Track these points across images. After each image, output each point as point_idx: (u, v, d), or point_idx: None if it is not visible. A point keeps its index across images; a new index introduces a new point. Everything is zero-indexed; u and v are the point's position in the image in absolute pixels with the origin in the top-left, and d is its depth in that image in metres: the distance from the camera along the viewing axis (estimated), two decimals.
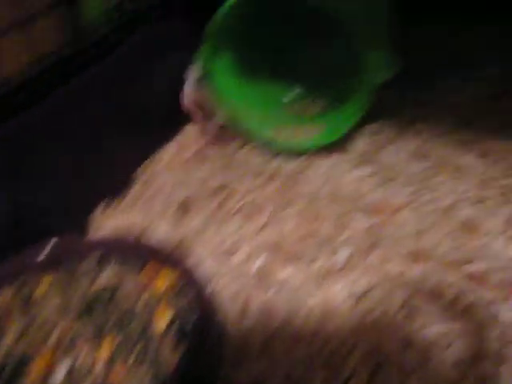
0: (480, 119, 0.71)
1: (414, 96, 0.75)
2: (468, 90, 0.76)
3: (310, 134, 0.68)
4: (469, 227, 0.56)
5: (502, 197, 0.60)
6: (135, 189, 0.65)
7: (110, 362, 0.39)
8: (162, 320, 0.41)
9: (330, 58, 0.74)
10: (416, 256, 0.54)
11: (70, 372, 0.39)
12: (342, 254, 0.54)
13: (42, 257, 0.47)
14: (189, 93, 0.68)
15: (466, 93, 0.76)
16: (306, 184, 0.64)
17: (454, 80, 0.77)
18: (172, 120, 0.72)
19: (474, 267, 0.52)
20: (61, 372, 0.39)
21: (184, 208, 0.62)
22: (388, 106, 0.73)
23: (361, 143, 0.69)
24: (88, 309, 0.43)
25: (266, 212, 0.60)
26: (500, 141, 0.67)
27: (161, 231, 0.58)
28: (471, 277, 0.52)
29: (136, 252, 0.47)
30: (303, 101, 0.74)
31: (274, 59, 0.75)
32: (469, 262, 0.53)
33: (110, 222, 0.60)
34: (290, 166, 0.67)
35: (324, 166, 0.66)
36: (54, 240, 0.48)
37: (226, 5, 0.59)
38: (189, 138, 0.73)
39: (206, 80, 0.66)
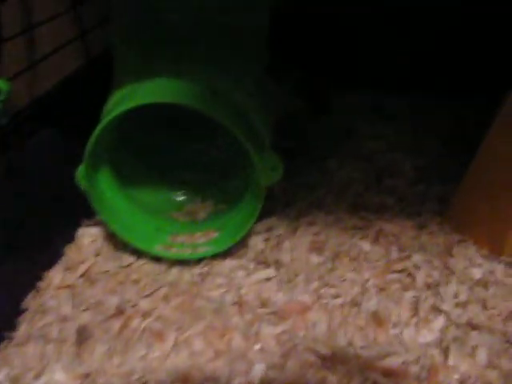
0: (369, 200, 0.74)
1: (305, 182, 0.77)
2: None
3: (204, 241, 0.66)
4: (377, 319, 0.56)
5: (401, 282, 0.61)
6: (24, 325, 0.59)
7: None
8: None
9: (217, 159, 0.74)
10: (332, 360, 0.52)
11: None
12: (258, 369, 0.52)
13: None
14: None
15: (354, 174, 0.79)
16: (209, 293, 0.61)
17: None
18: (55, 239, 0.67)
19: (390, 362, 0.52)
20: None
21: (81, 339, 0.57)
22: (280, 199, 0.74)
23: (257, 242, 0.67)
24: None
25: (171, 332, 0.56)
26: (390, 221, 0.69)
27: (59, 373, 0.53)
28: (389, 373, 0.51)
29: None
30: (193, 204, 0.73)
31: (160, 164, 0.73)
32: (384, 357, 0.52)
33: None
34: (189, 275, 0.64)
35: (224, 272, 0.64)
36: None
37: (104, 122, 0.56)
38: (76, 255, 0.68)
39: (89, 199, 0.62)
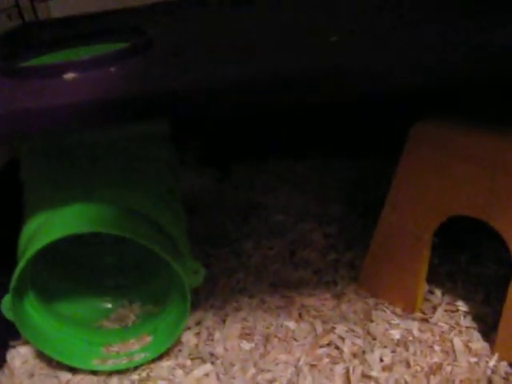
0: (287, 276, 0.78)
1: (223, 268, 0.80)
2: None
3: (139, 347, 0.67)
4: None
5: (330, 356, 0.65)
6: None
7: None
8: None
9: (138, 261, 0.76)
10: None
11: None
12: None
13: None
14: None
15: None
16: None
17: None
18: None
19: None
20: None
21: None
22: (203, 289, 0.76)
23: (189, 337, 0.70)
24: None
25: None
26: (309, 294, 0.74)
27: None
28: None
29: None
30: (121, 308, 0.74)
31: (83, 274, 0.75)
32: None
33: None
34: (129, 383, 0.65)
35: (163, 374, 0.65)
36: None
37: (25, 258, 0.58)
38: (9, 381, 0.68)
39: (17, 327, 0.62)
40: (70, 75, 0.55)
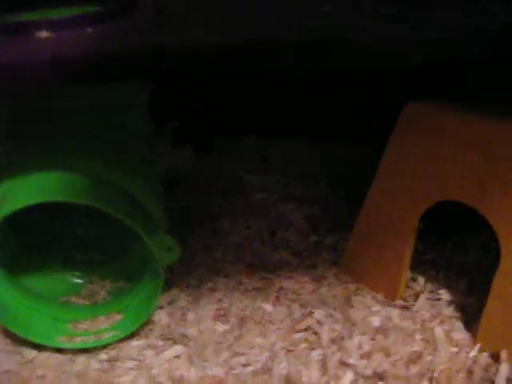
0: (266, 257, 0.76)
1: (201, 245, 0.78)
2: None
3: (108, 325, 0.64)
4: (290, 382, 0.58)
5: (307, 341, 0.63)
6: None
7: None
8: None
9: (110, 235, 0.73)
10: None
11: None
12: None
13: None
14: None
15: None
16: (120, 380, 0.59)
17: None
18: None
19: None
20: None
21: None
22: (178, 267, 0.74)
23: (161, 317, 0.67)
24: None
25: None
26: (288, 277, 0.72)
27: None
28: None
29: None
30: (92, 284, 0.71)
31: (53, 246, 0.72)
32: None
33: None
34: (97, 362, 0.62)
35: (132, 354, 0.62)
36: None
37: None
38: None
39: None
40: (43, 33, 0.51)
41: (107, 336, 0.63)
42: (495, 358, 0.58)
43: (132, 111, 0.68)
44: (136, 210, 0.59)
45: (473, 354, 0.59)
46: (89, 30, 0.51)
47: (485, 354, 0.59)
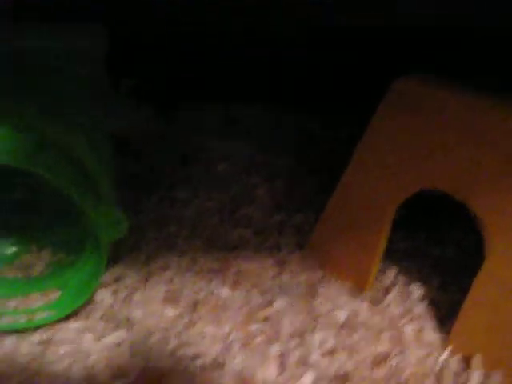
0: (225, 235, 0.69)
1: (154, 217, 0.70)
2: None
3: (42, 304, 0.57)
4: (243, 381, 0.52)
5: (265, 333, 0.57)
6: None
7: None
8: None
9: (51, 199, 0.65)
10: None
11: None
12: None
13: None
14: None
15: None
16: (52, 367, 0.52)
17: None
18: None
19: None
20: None
21: None
22: (126, 240, 0.66)
23: (104, 296, 0.60)
24: None
25: None
26: (248, 258, 0.65)
27: None
28: None
29: None
30: (27, 254, 0.63)
31: None
32: None
33: None
34: (27, 346, 0.55)
35: (68, 338, 0.55)
36: None
37: None
38: None
39: None
40: None
41: (41, 317, 0.56)
42: (467, 361, 0.53)
43: (85, 60, 0.59)
44: (78, 175, 0.51)
45: (443, 357, 0.55)
46: None
47: (456, 358, 0.54)
